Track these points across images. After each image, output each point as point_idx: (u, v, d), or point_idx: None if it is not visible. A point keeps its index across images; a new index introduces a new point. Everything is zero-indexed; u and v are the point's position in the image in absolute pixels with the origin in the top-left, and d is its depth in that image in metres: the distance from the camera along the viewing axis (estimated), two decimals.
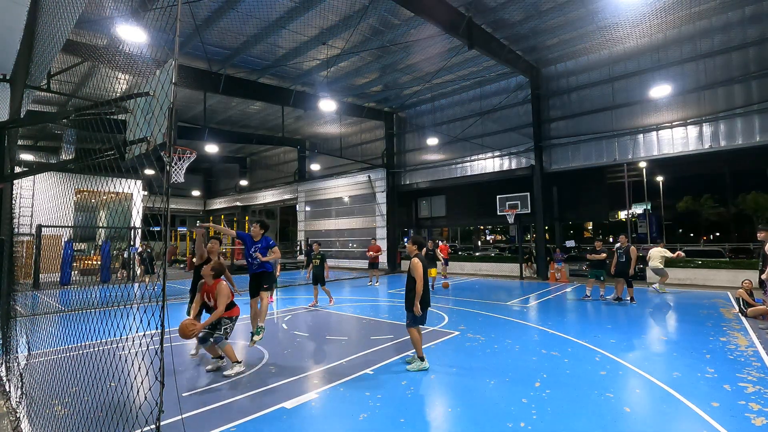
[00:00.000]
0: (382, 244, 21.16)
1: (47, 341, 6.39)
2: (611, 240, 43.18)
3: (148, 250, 16.02)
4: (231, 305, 5.40)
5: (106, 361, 4.36)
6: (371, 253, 15.14)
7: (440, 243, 17.75)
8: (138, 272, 16.63)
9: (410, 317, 5.39)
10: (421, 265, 5.25)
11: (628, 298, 10.18)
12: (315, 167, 27.65)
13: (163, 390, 1.98)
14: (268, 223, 7.16)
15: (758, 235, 7.31)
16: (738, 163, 32.09)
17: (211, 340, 5.28)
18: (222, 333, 5.26)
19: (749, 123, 12.50)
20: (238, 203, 33.86)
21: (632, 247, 10.21)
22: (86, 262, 18.07)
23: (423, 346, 6.30)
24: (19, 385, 4.13)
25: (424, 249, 5.70)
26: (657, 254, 12.06)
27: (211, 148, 22.88)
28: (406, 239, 33.43)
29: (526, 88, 16.88)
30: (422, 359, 5.35)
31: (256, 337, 6.02)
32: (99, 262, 17.05)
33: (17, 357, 4.62)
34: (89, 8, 9.67)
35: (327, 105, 16.38)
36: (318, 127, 24.11)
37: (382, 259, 20.42)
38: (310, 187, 26.69)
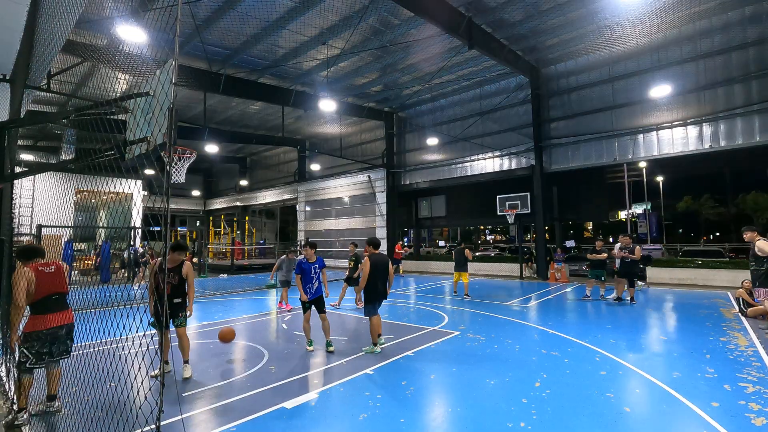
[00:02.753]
0: (382, 244, 21.15)
1: None
2: (611, 240, 43.20)
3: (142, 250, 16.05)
4: (40, 309, 3.85)
5: (106, 361, 4.37)
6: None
7: (398, 242, 18.19)
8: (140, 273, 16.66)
9: (365, 308, 6.23)
10: (369, 263, 6.01)
11: (629, 299, 10.16)
12: (315, 167, 27.65)
13: (163, 390, 1.98)
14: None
15: (744, 236, 7.36)
16: (738, 163, 32.11)
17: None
18: (24, 358, 3.76)
19: (749, 123, 12.49)
20: (238, 203, 33.86)
21: (638, 246, 10.19)
22: (86, 262, 18.07)
23: (423, 346, 6.35)
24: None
25: (379, 247, 6.48)
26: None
27: (211, 148, 22.88)
28: (406, 239, 33.44)
29: (526, 88, 16.88)
30: (375, 345, 6.11)
31: (331, 348, 6.21)
32: (93, 264, 17.09)
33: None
34: (89, 8, 9.67)
35: (327, 105, 16.38)
36: (318, 127, 24.11)
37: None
38: (310, 187, 26.68)
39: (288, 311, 9.70)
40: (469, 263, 11.75)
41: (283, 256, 10.32)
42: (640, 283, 12.24)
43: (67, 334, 4.06)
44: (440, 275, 18.72)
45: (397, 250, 18.81)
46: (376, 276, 6.02)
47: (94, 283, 14.40)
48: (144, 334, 2.48)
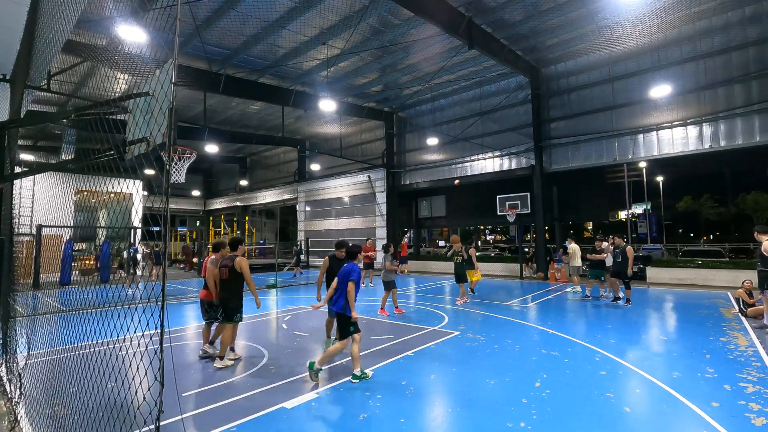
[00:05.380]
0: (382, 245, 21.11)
1: (47, 341, 6.39)
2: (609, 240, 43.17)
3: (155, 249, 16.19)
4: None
5: (106, 361, 4.37)
6: (364, 253, 15.07)
7: (404, 240, 17.96)
8: (149, 271, 16.86)
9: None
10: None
11: (624, 298, 10.07)
12: (315, 167, 27.65)
13: (162, 390, 1.98)
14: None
15: (754, 234, 7.29)
16: (738, 163, 32.07)
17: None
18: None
19: (749, 123, 12.49)
20: (238, 203, 33.86)
21: (629, 247, 10.07)
22: (85, 262, 18.08)
23: (423, 346, 6.36)
24: (18, 385, 4.13)
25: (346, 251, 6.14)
26: (578, 250, 12.00)
27: (211, 148, 22.89)
28: (406, 239, 33.46)
29: (526, 88, 16.88)
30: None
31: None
32: (93, 263, 17.16)
33: (16, 357, 4.62)
34: (89, 8, 9.67)
35: (327, 105, 16.38)
36: (318, 127, 24.11)
37: (382, 259, 20.37)
38: (310, 187, 26.68)
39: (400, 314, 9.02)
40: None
41: (387, 253, 9.07)
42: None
43: (208, 306, 5.92)
44: (440, 275, 18.72)
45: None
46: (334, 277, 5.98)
47: (93, 283, 14.41)
48: (143, 334, 2.47)
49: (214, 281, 5.72)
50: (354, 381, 4.81)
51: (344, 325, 5.02)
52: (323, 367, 5.10)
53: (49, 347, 6.16)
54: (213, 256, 5.90)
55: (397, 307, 9.30)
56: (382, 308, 9.25)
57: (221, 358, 5.52)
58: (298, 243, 24.55)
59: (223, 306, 5.66)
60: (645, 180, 34.44)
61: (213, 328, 6.05)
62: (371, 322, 8.50)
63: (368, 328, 7.86)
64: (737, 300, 8.83)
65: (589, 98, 15.61)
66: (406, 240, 17.95)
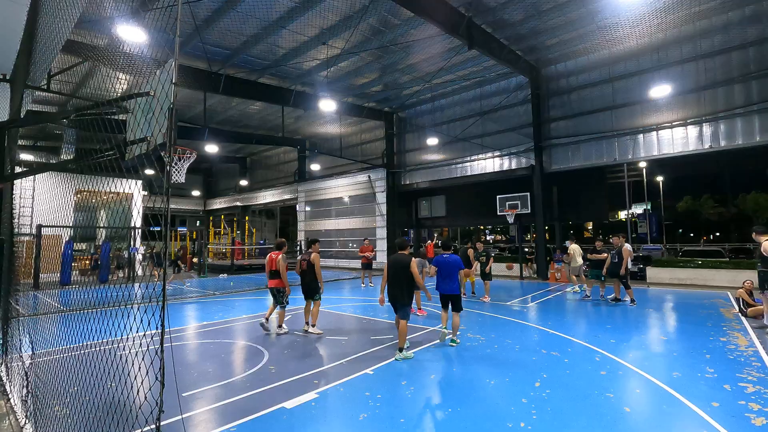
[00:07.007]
0: (382, 245, 21.11)
1: (47, 341, 6.38)
2: (611, 240, 43.11)
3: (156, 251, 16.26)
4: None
5: (106, 361, 4.37)
6: (361, 253, 15.01)
7: (428, 242, 17.37)
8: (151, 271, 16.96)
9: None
10: (386, 264, 6.33)
11: (627, 299, 10.09)
12: (315, 167, 27.64)
13: (163, 390, 1.98)
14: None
15: (754, 236, 7.26)
16: (738, 163, 32.05)
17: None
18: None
19: (749, 123, 12.49)
20: (238, 203, 33.86)
21: (625, 246, 9.98)
22: (84, 262, 18.10)
23: (423, 346, 6.36)
24: (25, 384, 4.13)
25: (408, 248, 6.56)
26: (578, 251, 12.07)
27: (211, 148, 22.88)
28: (406, 239, 33.51)
29: (526, 88, 16.87)
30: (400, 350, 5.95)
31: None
32: (91, 264, 17.22)
33: (21, 356, 4.62)
34: (89, 8, 9.66)
35: (327, 105, 16.38)
36: (318, 127, 24.10)
37: (383, 258, 20.39)
38: (310, 187, 26.68)
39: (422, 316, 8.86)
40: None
41: (419, 258, 9.07)
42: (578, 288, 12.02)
43: (276, 293, 7.39)
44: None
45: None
46: (390, 277, 6.13)
47: (92, 283, 14.41)
48: (144, 334, 2.47)
49: (292, 270, 7.56)
50: (452, 344, 6.39)
51: (457, 301, 6.55)
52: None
53: (49, 347, 6.16)
54: (281, 253, 7.38)
55: (420, 308, 9.22)
56: (420, 308, 9.21)
57: (314, 326, 7.38)
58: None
59: (307, 287, 7.35)
60: (645, 180, 34.40)
61: (276, 310, 7.56)
62: (371, 321, 8.50)
63: (368, 328, 7.86)
64: (737, 300, 8.83)
65: (589, 98, 15.61)
66: (431, 241, 17.40)
